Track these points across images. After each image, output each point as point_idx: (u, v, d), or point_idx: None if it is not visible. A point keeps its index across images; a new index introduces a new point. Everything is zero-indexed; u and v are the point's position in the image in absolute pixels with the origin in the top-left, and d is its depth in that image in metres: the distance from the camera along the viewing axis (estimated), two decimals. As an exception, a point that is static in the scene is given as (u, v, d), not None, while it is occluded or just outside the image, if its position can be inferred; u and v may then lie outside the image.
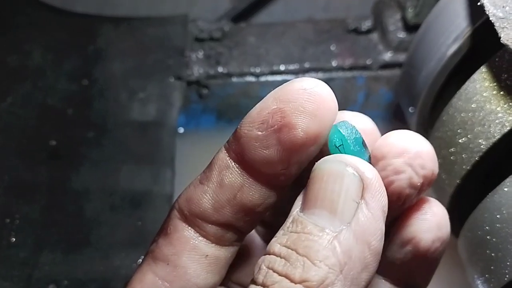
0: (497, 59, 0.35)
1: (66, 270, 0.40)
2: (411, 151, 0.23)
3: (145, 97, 0.53)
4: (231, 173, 0.22)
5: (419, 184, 0.23)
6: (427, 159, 0.23)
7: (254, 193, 0.23)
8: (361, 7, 0.70)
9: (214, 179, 0.23)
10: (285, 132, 0.21)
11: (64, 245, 0.42)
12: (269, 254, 0.20)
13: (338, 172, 0.20)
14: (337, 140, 0.22)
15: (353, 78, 0.57)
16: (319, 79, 0.61)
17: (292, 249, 0.19)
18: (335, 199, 0.20)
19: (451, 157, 0.38)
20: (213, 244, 0.24)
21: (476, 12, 0.38)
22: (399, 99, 0.50)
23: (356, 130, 0.22)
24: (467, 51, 0.39)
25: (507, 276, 0.32)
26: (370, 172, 0.20)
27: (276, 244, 0.20)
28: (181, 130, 0.58)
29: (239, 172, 0.22)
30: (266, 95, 0.22)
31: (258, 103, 0.22)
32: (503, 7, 0.31)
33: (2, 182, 0.44)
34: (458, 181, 0.38)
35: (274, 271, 0.19)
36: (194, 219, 0.23)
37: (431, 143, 0.40)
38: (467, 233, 0.37)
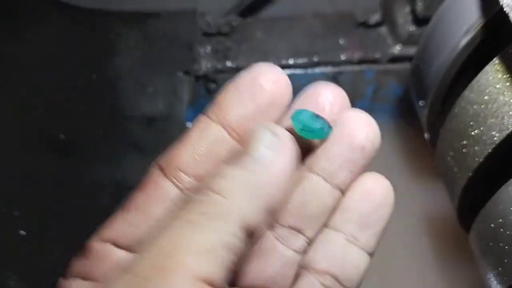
0: (510, 51, 0.34)
1: (75, 264, 0.40)
2: (365, 118, 0.28)
3: (153, 91, 0.53)
4: (211, 130, 0.27)
5: (371, 137, 0.28)
6: (374, 125, 0.28)
7: (228, 148, 0.26)
8: (369, 2, 0.70)
9: (195, 136, 0.27)
10: (258, 93, 0.26)
11: (73, 238, 0.42)
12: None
13: (258, 130, 0.25)
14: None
15: (362, 72, 0.57)
16: (328, 72, 0.61)
17: (211, 175, 0.24)
18: (251, 146, 0.24)
19: (464, 150, 0.38)
20: None
21: (488, 3, 0.37)
22: (409, 92, 0.50)
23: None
24: (479, 43, 0.39)
25: (521, 269, 0.32)
26: (280, 129, 0.25)
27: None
28: (189, 124, 0.58)
29: (217, 128, 0.27)
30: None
31: (232, 79, 0.28)
32: (518, -4, 0.31)
33: (12, 175, 0.45)
34: (470, 174, 0.37)
35: (191, 189, 0.25)
36: (172, 171, 0.26)
37: (443, 136, 0.40)
38: (480, 226, 0.37)
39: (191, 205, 0.23)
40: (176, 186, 0.26)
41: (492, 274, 0.36)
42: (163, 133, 0.50)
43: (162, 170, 0.27)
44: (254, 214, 0.23)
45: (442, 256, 0.55)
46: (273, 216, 0.25)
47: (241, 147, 0.26)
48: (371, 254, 0.30)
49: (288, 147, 0.25)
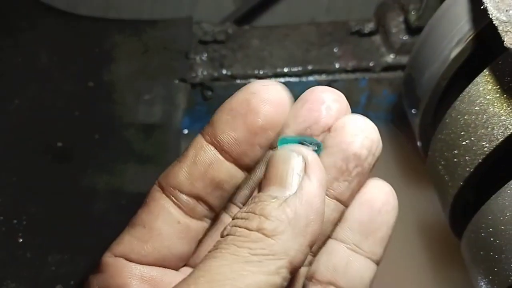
0: (500, 62, 0.35)
1: (73, 271, 0.41)
2: (363, 123, 0.28)
3: (150, 99, 0.53)
4: (204, 152, 0.27)
5: (367, 145, 0.28)
6: (373, 129, 0.28)
7: (222, 170, 0.28)
8: (363, 9, 0.70)
9: (190, 157, 0.28)
10: (249, 117, 0.27)
11: (71, 245, 0.43)
12: (234, 219, 0.26)
13: (286, 156, 0.26)
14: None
15: (355, 80, 0.57)
16: (322, 81, 0.61)
17: (250, 212, 0.25)
18: (284, 175, 0.25)
19: (454, 159, 0.38)
20: (185, 214, 0.28)
21: (479, 15, 0.38)
22: (402, 101, 0.50)
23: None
24: (470, 54, 0.40)
25: (511, 278, 0.33)
26: (311, 154, 0.26)
27: (240, 212, 0.26)
28: (185, 131, 0.59)
29: (211, 151, 0.28)
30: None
31: (230, 98, 0.28)
32: (507, 11, 0.32)
33: (10, 183, 0.45)
34: (461, 183, 0.38)
35: (236, 226, 0.25)
36: (170, 190, 0.28)
37: (434, 145, 0.41)
38: (471, 234, 0.37)
39: (240, 241, 0.24)
40: (175, 203, 0.28)
41: (483, 282, 0.36)
42: (160, 140, 0.51)
43: (162, 188, 0.28)
44: (299, 252, 0.25)
45: (436, 260, 0.55)
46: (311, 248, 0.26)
47: (267, 171, 0.26)
48: (377, 262, 0.31)
49: (320, 172, 0.26)
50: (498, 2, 0.32)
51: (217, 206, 0.29)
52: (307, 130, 0.28)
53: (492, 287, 0.35)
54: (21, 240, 0.42)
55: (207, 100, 0.59)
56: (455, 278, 0.53)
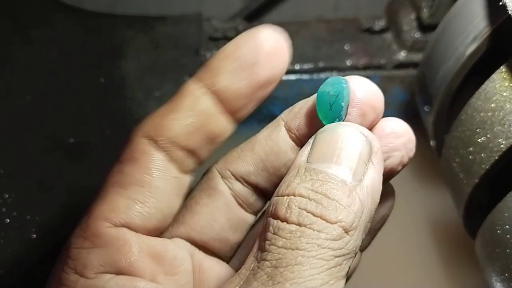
0: (517, 59, 0.35)
1: (86, 267, 0.41)
2: (407, 136, 0.27)
3: (161, 95, 0.53)
4: (203, 102, 0.25)
5: (405, 161, 0.27)
6: (414, 145, 0.28)
7: (219, 123, 0.26)
8: (372, 6, 0.70)
9: (187, 106, 0.25)
10: (256, 68, 0.24)
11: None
12: (294, 196, 0.22)
13: (354, 137, 0.23)
14: (333, 96, 0.25)
15: (367, 77, 0.57)
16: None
17: (320, 194, 0.22)
18: (351, 158, 0.23)
19: (470, 157, 0.38)
20: (180, 170, 0.26)
21: (495, 11, 0.38)
22: (414, 98, 0.50)
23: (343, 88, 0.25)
24: (485, 51, 0.39)
25: (527, 274, 0.33)
26: (377, 141, 0.24)
27: (301, 186, 0.22)
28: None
29: (209, 102, 0.25)
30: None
31: (231, 41, 0.25)
32: (526, 7, 0.32)
33: (22, 179, 0.45)
34: (476, 181, 0.38)
35: (308, 212, 0.21)
36: (165, 144, 0.25)
37: (449, 142, 0.41)
38: (486, 232, 0.37)
39: (321, 240, 0.21)
40: (170, 159, 0.25)
41: (498, 280, 0.36)
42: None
43: (152, 140, 0.25)
44: (359, 244, 0.23)
45: (447, 259, 0.55)
46: None
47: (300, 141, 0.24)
48: (363, 251, 0.32)
49: (382, 163, 0.24)
50: (517, -2, 0.32)
51: (204, 160, 0.27)
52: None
53: (509, 285, 0.35)
54: (34, 236, 0.42)
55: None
56: (467, 276, 0.53)
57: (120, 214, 0.25)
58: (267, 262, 0.21)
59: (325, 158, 0.23)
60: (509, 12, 0.32)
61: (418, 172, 0.59)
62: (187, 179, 0.27)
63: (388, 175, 0.27)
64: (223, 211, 0.27)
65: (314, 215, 0.21)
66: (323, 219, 0.21)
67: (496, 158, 0.36)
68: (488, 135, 0.37)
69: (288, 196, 0.22)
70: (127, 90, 0.53)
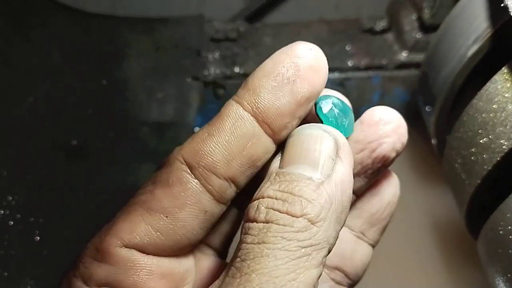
0: (519, 60, 0.35)
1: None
2: (396, 122, 0.27)
3: (163, 97, 0.53)
4: (244, 124, 0.24)
5: (398, 147, 0.28)
6: (405, 130, 0.28)
7: (261, 145, 0.25)
8: (373, 6, 0.70)
9: (228, 130, 0.24)
10: (298, 84, 0.24)
11: (87, 242, 0.43)
12: (263, 198, 0.23)
13: (317, 135, 0.24)
14: (324, 108, 0.26)
15: (368, 78, 0.57)
16: (335, 79, 0.61)
17: (287, 192, 0.22)
18: (317, 156, 0.23)
19: (472, 157, 0.38)
20: (214, 201, 0.25)
21: (497, 13, 0.38)
22: (416, 98, 0.50)
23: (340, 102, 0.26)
24: (487, 52, 0.40)
25: (530, 275, 0.33)
26: (342, 137, 0.25)
27: (269, 189, 0.23)
28: (196, 129, 0.59)
29: (251, 123, 0.24)
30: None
31: (269, 59, 0.25)
32: (528, 9, 0.32)
33: (26, 181, 0.45)
34: (478, 181, 0.38)
35: (274, 210, 0.22)
36: (202, 171, 0.24)
37: (451, 143, 0.41)
38: (489, 232, 0.37)
39: (287, 232, 0.22)
40: (207, 190, 0.24)
41: (500, 280, 0.36)
42: (173, 138, 0.51)
43: (189, 166, 0.24)
44: (335, 239, 0.23)
45: (449, 258, 0.56)
46: None
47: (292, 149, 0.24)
48: (374, 246, 0.32)
49: (351, 156, 0.24)
50: (519, 0, 0.32)
51: (241, 187, 0.26)
52: None
53: (511, 285, 0.35)
54: (38, 238, 0.42)
55: (219, 98, 0.59)
56: (468, 276, 0.54)
57: (136, 237, 0.24)
58: (237, 258, 0.22)
59: (293, 160, 0.24)
60: (511, 14, 0.32)
61: (420, 172, 0.59)
62: (220, 209, 0.26)
63: (383, 162, 0.27)
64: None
65: (280, 212, 0.22)
66: (289, 214, 0.22)
67: (498, 159, 0.36)
68: (490, 136, 0.37)
69: (258, 199, 0.23)
70: (129, 92, 0.53)
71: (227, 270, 0.23)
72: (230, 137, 0.24)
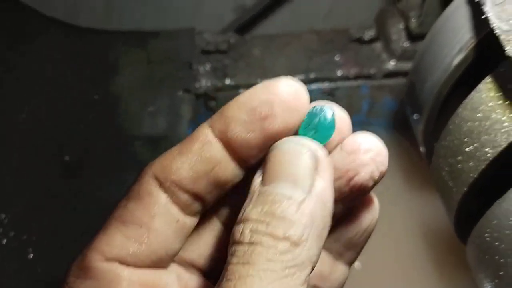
0: (502, 70, 0.36)
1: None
2: (375, 150, 0.27)
3: (155, 110, 0.54)
4: (212, 148, 0.25)
5: (377, 177, 0.27)
6: (385, 158, 0.27)
7: (227, 170, 0.25)
8: (363, 15, 0.71)
9: (196, 151, 0.25)
10: (269, 121, 0.24)
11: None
12: (247, 220, 0.23)
13: (296, 151, 0.24)
14: (311, 125, 0.26)
15: (357, 87, 0.58)
16: (325, 89, 0.62)
17: (269, 215, 0.23)
18: (295, 172, 0.24)
19: (458, 166, 0.39)
20: (182, 212, 0.26)
21: (480, 24, 0.39)
22: (404, 106, 0.51)
23: (325, 115, 0.26)
24: (471, 62, 0.40)
25: (516, 281, 0.33)
26: (321, 150, 0.25)
27: (253, 212, 0.23)
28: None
29: (219, 148, 0.25)
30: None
31: (247, 91, 0.25)
32: (508, 20, 0.33)
33: (19, 198, 0.45)
34: (465, 189, 0.38)
35: (258, 233, 0.23)
36: (170, 186, 0.25)
37: (438, 151, 0.42)
38: (476, 239, 0.38)
39: (272, 254, 0.22)
40: (173, 202, 0.25)
41: (489, 286, 0.37)
42: (166, 150, 0.51)
43: (158, 181, 0.25)
44: (318, 257, 0.23)
45: (440, 264, 0.56)
46: None
47: (274, 164, 0.24)
48: (351, 265, 0.32)
49: (331, 170, 0.25)
50: (499, 12, 0.33)
51: (210, 204, 0.27)
52: None
53: (499, 291, 0.36)
54: (31, 255, 0.43)
55: (210, 110, 0.59)
56: (459, 282, 0.54)
57: (115, 249, 0.25)
58: (224, 279, 0.22)
59: (274, 178, 0.24)
60: (492, 26, 0.33)
61: (410, 179, 0.59)
62: (191, 221, 0.27)
63: (360, 190, 0.27)
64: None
65: (263, 235, 0.23)
66: (272, 237, 0.23)
67: (483, 167, 0.36)
68: (475, 144, 0.37)
69: (242, 222, 0.24)
70: (121, 106, 0.54)
71: None
72: (197, 158, 0.25)
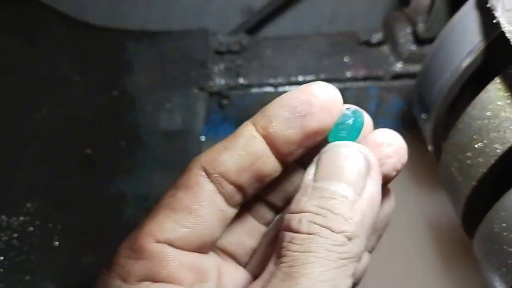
0: (510, 71, 0.38)
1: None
2: (397, 144, 0.29)
3: (171, 107, 0.55)
4: (255, 143, 0.27)
5: (399, 167, 0.30)
6: (405, 151, 0.30)
7: (268, 164, 0.28)
8: (366, 19, 0.73)
9: (240, 145, 0.27)
10: (308, 119, 0.27)
11: (103, 248, 0.44)
12: (304, 212, 0.26)
13: (353, 155, 0.27)
14: (343, 125, 0.28)
15: (366, 88, 0.60)
16: (334, 89, 0.63)
17: (326, 209, 0.25)
18: (350, 174, 0.26)
19: (468, 161, 0.41)
20: (226, 202, 0.28)
21: (489, 27, 0.41)
22: (412, 107, 0.53)
23: (357, 117, 0.28)
24: (480, 64, 0.43)
25: (524, 268, 0.35)
26: (373, 157, 0.27)
27: (309, 204, 0.26)
28: (202, 138, 0.61)
29: (262, 144, 0.27)
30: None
31: (287, 93, 0.28)
32: (518, 24, 0.35)
33: (44, 189, 0.47)
34: (474, 184, 0.40)
35: (316, 224, 0.25)
36: (217, 177, 0.27)
37: (447, 149, 0.44)
38: (484, 230, 0.40)
39: (329, 244, 0.25)
40: (220, 192, 0.28)
41: (496, 275, 0.39)
42: (182, 147, 0.53)
43: (206, 172, 0.28)
44: (364, 251, 0.26)
45: (446, 259, 0.58)
46: None
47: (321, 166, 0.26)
48: (371, 252, 0.34)
49: (380, 176, 0.27)
50: (510, 16, 0.35)
51: (250, 196, 0.29)
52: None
53: (506, 279, 0.38)
54: (56, 243, 0.44)
55: (223, 108, 0.61)
56: (464, 276, 0.56)
57: (165, 233, 0.27)
58: (283, 264, 0.25)
59: (329, 176, 0.26)
60: (503, 29, 0.35)
61: (417, 177, 0.61)
62: (232, 212, 0.29)
63: (384, 180, 0.29)
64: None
65: (321, 226, 0.25)
66: (329, 229, 0.25)
67: (492, 162, 0.39)
68: (484, 141, 0.39)
69: (299, 213, 0.26)
70: (138, 103, 0.55)
71: (270, 273, 0.26)
72: (242, 152, 0.27)
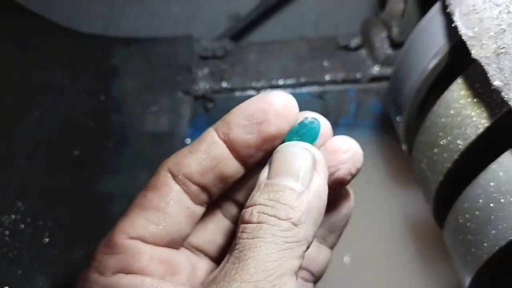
0: (470, 71, 0.40)
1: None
2: (353, 150, 0.32)
3: (157, 110, 0.58)
4: (217, 148, 0.30)
5: (354, 172, 0.32)
6: (361, 157, 0.32)
7: (230, 166, 0.30)
8: (349, 24, 0.75)
9: (203, 150, 0.30)
10: (264, 125, 0.29)
11: (91, 243, 0.46)
12: (255, 205, 0.28)
13: (299, 153, 0.29)
14: (299, 132, 0.30)
15: (345, 91, 0.63)
16: (314, 92, 0.67)
17: (275, 201, 0.28)
18: (298, 170, 0.29)
19: (434, 157, 0.43)
20: (191, 201, 0.31)
21: (452, 31, 0.43)
22: (387, 109, 0.55)
23: (312, 125, 0.31)
24: (445, 65, 0.45)
25: (484, 255, 0.38)
26: (319, 154, 0.30)
27: (260, 198, 0.29)
28: (188, 140, 0.63)
29: (223, 148, 0.30)
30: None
31: (246, 101, 0.30)
32: (473, 28, 0.37)
33: (34, 188, 0.49)
34: (441, 178, 0.43)
35: (264, 214, 0.28)
36: (182, 179, 0.30)
37: (417, 146, 0.46)
38: (451, 222, 0.42)
39: (276, 230, 0.27)
40: (185, 192, 0.30)
41: (462, 263, 0.41)
42: (168, 148, 0.55)
43: (172, 174, 0.30)
44: (313, 238, 0.28)
45: (423, 253, 0.60)
46: None
47: (277, 163, 0.29)
48: (332, 248, 0.37)
49: (326, 170, 0.30)
50: (466, 20, 0.38)
51: (215, 196, 0.32)
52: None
53: (471, 266, 0.40)
54: (47, 239, 0.46)
55: (208, 111, 0.63)
56: (441, 269, 0.58)
57: (137, 230, 0.30)
58: (235, 250, 0.28)
59: (279, 173, 0.29)
60: (460, 32, 0.38)
61: (395, 175, 0.64)
62: (199, 210, 0.31)
63: (340, 184, 0.32)
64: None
65: (269, 215, 0.28)
66: (277, 218, 0.28)
67: (456, 157, 0.41)
68: (449, 138, 0.42)
69: (251, 206, 0.29)
70: (126, 106, 0.57)
71: (226, 260, 0.28)
72: (204, 156, 0.30)
